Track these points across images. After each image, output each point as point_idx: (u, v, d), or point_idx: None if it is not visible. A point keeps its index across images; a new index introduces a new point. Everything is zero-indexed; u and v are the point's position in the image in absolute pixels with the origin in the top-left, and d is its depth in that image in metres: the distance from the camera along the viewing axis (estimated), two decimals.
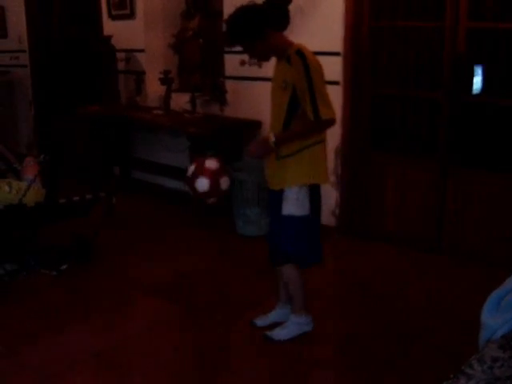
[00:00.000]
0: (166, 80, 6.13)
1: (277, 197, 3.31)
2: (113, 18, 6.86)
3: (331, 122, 3.17)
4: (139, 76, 6.68)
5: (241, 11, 3.17)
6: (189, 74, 6.73)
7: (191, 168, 3.70)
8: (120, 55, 6.80)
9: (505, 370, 1.92)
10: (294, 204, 3.27)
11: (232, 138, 5.70)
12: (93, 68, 6.91)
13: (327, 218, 5.25)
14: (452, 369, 1.94)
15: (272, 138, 3.18)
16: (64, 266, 4.62)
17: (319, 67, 3.13)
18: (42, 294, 4.31)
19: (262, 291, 4.24)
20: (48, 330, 3.76)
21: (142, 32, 6.60)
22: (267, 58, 3.34)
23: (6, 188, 4.58)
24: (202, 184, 3.67)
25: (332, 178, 5.16)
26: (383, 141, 5.10)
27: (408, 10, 4.83)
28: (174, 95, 6.26)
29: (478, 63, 4.64)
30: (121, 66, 6.87)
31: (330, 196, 5.21)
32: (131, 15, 6.63)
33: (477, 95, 4.70)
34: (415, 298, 4.09)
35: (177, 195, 6.41)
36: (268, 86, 5.37)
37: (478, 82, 4.66)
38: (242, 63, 5.59)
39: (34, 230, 4.74)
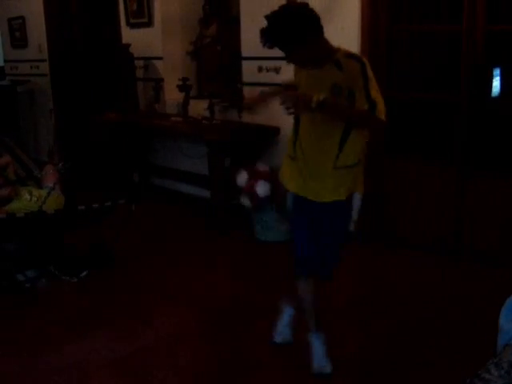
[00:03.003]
0: (184, 87, 6.15)
1: (328, 208, 3.10)
2: (131, 26, 6.91)
3: (384, 124, 2.92)
4: (157, 83, 6.72)
5: (290, 11, 2.92)
6: (207, 81, 6.76)
7: (242, 177, 3.35)
8: (138, 63, 6.84)
9: None
10: (356, 214, 3.16)
11: (250, 144, 5.72)
12: (112, 76, 6.97)
13: None
14: (469, 373, 1.93)
15: (320, 97, 2.76)
16: (84, 273, 4.65)
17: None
18: (63, 301, 4.35)
19: (282, 295, 4.23)
20: (68, 337, 3.79)
21: (160, 40, 6.65)
22: (308, 64, 3.04)
23: (27, 196, 4.63)
24: (264, 188, 3.34)
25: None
26: (400, 144, 5.07)
27: (425, 13, 4.82)
28: (192, 102, 6.28)
29: (496, 66, 4.61)
30: (139, 73, 6.92)
31: None
32: (149, 23, 6.67)
33: (495, 98, 4.66)
34: (435, 301, 4.06)
35: (196, 201, 6.43)
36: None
37: (496, 84, 4.63)
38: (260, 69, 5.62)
39: (54, 237, 4.78)
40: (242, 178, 3.26)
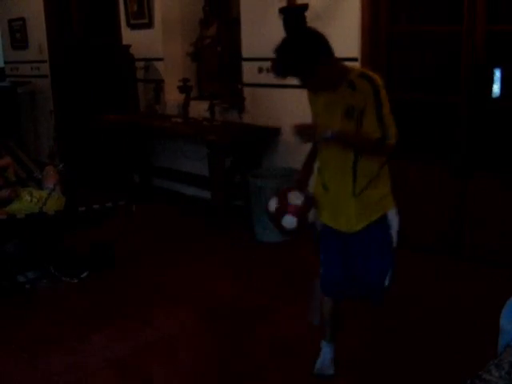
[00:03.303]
0: (184, 88, 6.16)
1: (362, 236, 3.02)
2: (131, 27, 6.92)
3: (393, 148, 2.89)
4: (158, 84, 6.73)
5: (299, 38, 2.88)
6: (207, 82, 6.77)
7: (273, 202, 3.25)
8: (139, 64, 6.85)
9: None
10: (396, 231, 3.06)
11: (251, 145, 5.72)
12: (112, 77, 6.97)
13: None
14: (470, 374, 1.93)
15: (328, 132, 2.78)
16: (85, 274, 4.66)
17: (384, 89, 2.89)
18: (64, 302, 4.35)
19: (283, 296, 4.24)
20: (69, 338, 3.79)
21: (161, 41, 6.65)
22: (323, 88, 2.94)
23: (27, 197, 4.64)
24: (290, 222, 3.20)
25: None
26: (400, 145, 5.06)
27: (425, 15, 4.82)
28: (192, 103, 6.29)
29: (496, 66, 4.60)
30: (140, 74, 6.93)
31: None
32: (149, 24, 6.68)
33: (496, 99, 4.66)
34: (436, 302, 4.05)
35: (196, 202, 6.44)
36: (286, 92, 5.46)
37: (496, 85, 4.62)
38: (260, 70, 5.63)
39: (54, 238, 4.78)
40: (272, 206, 3.17)
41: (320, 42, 2.82)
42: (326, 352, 3.34)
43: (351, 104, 2.84)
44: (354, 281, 3.15)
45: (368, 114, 2.81)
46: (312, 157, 3.28)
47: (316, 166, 3.19)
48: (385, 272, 3.09)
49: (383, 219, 3.02)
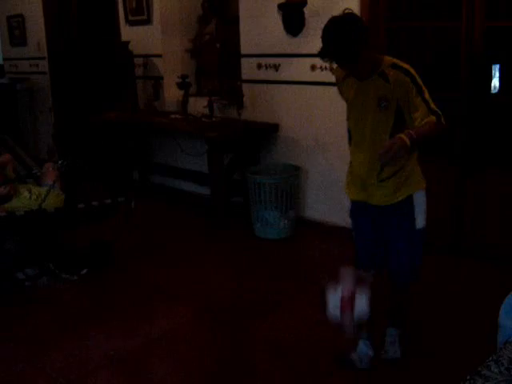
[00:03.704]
0: (183, 85, 6.15)
1: (392, 210, 3.09)
2: (130, 23, 6.91)
3: (446, 126, 2.92)
4: (157, 81, 6.72)
5: (349, 23, 2.82)
6: (206, 79, 6.76)
7: (334, 298, 2.98)
8: (138, 60, 6.84)
9: None
10: (424, 212, 3.10)
11: (250, 142, 5.72)
12: (111, 74, 6.96)
13: (345, 219, 5.24)
14: (469, 370, 1.93)
15: (407, 141, 2.72)
16: (84, 271, 4.66)
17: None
18: (63, 299, 4.35)
19: (282, 293, 4.25)
20: (69, 335, 3.80)
21: (159, 37, 6.64)
22: (361, 75, 2.94)
23: (26, 194, 4.63)
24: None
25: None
26: None
27: (424, 10, 4.81)
28: (191, 100, 6.28)
29: (495, 62, 4.60)
30: (139, 71, 6.91)
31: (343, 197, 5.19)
32: (148, 21, 6.67)
33: (495, 94, 4.66)
34: (436, 299, 4.06)
35: (195, 198, 6.44)
36: (284, 88, 5.46)
37: (495, 81, 4.63)
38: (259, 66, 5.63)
39: (54, 235, 4.78)
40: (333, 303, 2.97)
41: (365, 28, 2.85)
42: (363, 349, 3.36)
43: (384, 95, 2.90)
44: (385, 253, 3.22)
45: (413, 104, 2.87)
46: None
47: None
48: (409, 256, 3.15)
49: (408, 201, 3.07)
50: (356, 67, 2.88)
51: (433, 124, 2.82)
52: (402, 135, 2.72)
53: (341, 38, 2.77)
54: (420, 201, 3.10)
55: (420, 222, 3.11)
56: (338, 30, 2.79)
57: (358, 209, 3.23)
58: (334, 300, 2.85)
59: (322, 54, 2.84)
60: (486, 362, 1.96)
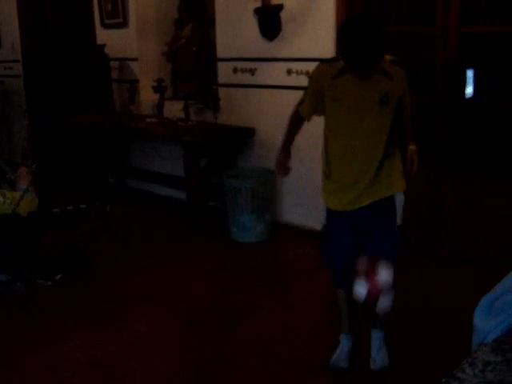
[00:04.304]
0: (159, 88, 6.14)
1: (373, 210, 3.11)
2: (105, 26, 6.88)
3: None
4: (133, 84, 6.69)
5: (374, 22, 2.82)
6: (182, 82, 6.74)
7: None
8: (113, 64, 6.81)
9: (497, 373, 1.92)
10: (401, 209, 3.17)
11: (226, 145, 5.71)
12: (87, 77, 6.91)
13: (321, 223, 5.25)
14: (444, 373, 1.94)
15: (416, 148, 3.10)
16: (59, 276, 4.61)
17: None
18: (38, 305, 4.29)
19: (259, 298, 4.24)
20: (43, 341, 3.75)
21: (135, 40, 6.62)
22: (370, 75, 2.90)
23: (0, 198, 4.57)
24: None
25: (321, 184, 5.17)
26: None
27: (400, 16, 4.84)
28: (167, 103, 6.27)
29: (470, 67, 4.65)
30: (114, 74, 6.89)
31: (319, 201, 5.21)
32: (124, 24, 6.65)
33: (469, 99, 4.71)
34: (411, 302, 4.07)
35: (171, 203, 6.41)
36: (261, 92, 5.47)
37: (470, 86, 4.67)
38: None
39: (28, 240, 4.73)
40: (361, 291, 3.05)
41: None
42: (344, 345, 3.39)
43: (386, 91, 2.93)
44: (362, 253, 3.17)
45: (407, 95, 3.03)
46: (291, 139, 3.42)
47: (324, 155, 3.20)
48: (391, 247, 3.17)
49: (390, 199, 3.12)
50: (372, 67, 2.85)
51: (409, 122, 3.15)
52: (413, 146, 3.07)
53: (371, 38, 2.75)
54: (400, 198, 3.16)
55: (398, 218, 3.17)
56: (368, 30, 2.75)
57: (339, 217, 3.20)
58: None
59: (348, 56, 2.80)
60: (460, 365, 1.97)
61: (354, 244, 3.19)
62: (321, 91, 3.05)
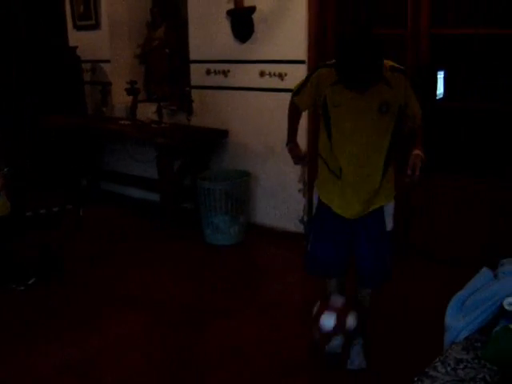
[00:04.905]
0: (132, 90, 6.11)
1: (369, 219, 3.14)
2: (78, 28, 6.83)
3: None
4: (105, 87, 6.65)
5: (371, 43, 2.80)
6: (155, 84, 6.72)
7: (315, 308, 3.19)
8: (85, 66, 6.77)
9: (468, 371, 1.95)
10: (392, 213, 3.18)
11: (200, 148, 5.70)
12: (58, 79, 6.85)
13: (295, 224, 5.28)
14: (416, 371, 1.96)
15: (421, 154, 2.98)
16: (32, 280, 4.57)
17: None
18: (10, 310, 4.24)
19: (232, 300, 4.25)
20: (16, 346, 3.71)
21: (108, 42, 6.58)
22: (368, 86, 2.89)
23: None
24: (328, 321, 3.12)
25: (299, 186, 5.19)
26: None
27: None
28: (140, 105, 6.24)
29: (440, 69, 4.71)
30: (86, 76, 6.84)
31: (298, 202, 5.24)
32: (96, 26, 6.61)
33: (440, 100, 4.76)
34: (382, 301, 4.08)
35: (145, 205, 6.39)
36: (233, 94, 5.47)
37: (440, 87, 4.73)
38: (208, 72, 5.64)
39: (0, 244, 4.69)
40: (314, 311, 3.15)
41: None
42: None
43: (385, 99, 2.90)
44: (352, 261, 3.25)
45: (412, 101, 2.97)
46: (294, 130, 3.36)
47: (325, 153, 3.16)
48: (383, 256, 3.19)
49: (381, 208, 3.13)
50: (370, 86, 2.87)
51: (420, 129, 3.08)
52: (417, 151, 2.97)
53: (371, 62, 2.76)
54: (390, 204, 3.19)
55: (389, 223, 3.18)
56: (368, 54, 2.75)
57: (335, 220, 3.18)
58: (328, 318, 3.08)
59: (347, 78, 2.82)
60: (432, 363, 2.00)
61: (348, 247, 3.22)
62: (321, 95, 3.03)
